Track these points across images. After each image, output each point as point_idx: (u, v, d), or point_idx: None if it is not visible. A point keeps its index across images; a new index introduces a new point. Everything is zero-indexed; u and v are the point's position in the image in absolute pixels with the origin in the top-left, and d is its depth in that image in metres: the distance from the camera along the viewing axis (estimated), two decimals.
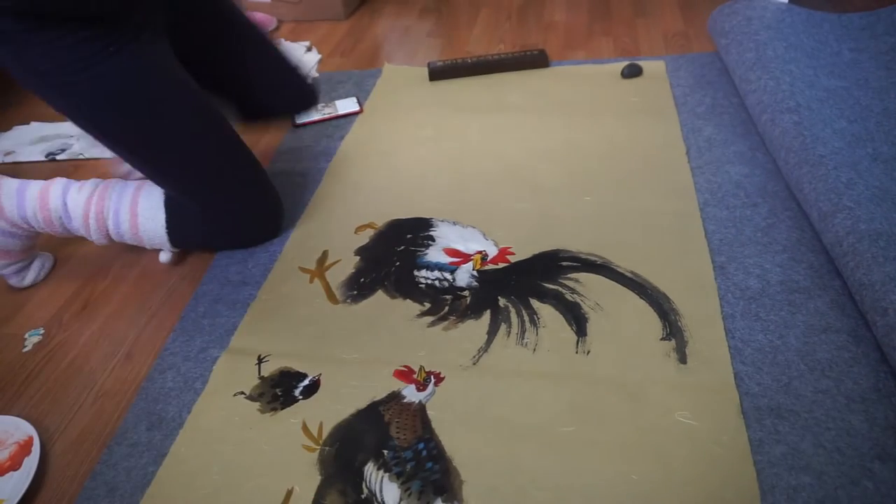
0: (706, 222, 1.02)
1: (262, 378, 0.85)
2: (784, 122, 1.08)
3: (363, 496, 0.71)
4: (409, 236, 1.06)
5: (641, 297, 0.90)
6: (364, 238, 1.07)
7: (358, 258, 1.03)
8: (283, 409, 0.81)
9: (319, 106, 1.36)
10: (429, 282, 0.97)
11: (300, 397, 0.82)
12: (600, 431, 0.74)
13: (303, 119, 1.37)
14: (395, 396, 0.81)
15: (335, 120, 1.39)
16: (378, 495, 0.71)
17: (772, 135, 1.11)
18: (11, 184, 0.92)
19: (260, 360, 0.88)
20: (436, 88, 1.50)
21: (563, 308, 0.90)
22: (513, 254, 1.00)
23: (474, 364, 0.84)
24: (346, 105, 1.40)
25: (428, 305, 0.93)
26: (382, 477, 0.72)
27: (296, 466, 0.74)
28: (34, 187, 0.92)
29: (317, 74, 1.40)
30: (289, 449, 0.76)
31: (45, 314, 1.00)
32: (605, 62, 1.53)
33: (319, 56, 1.35)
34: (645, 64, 1.47)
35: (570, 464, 0.71)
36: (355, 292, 0.97)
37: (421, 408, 0.79)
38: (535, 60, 1.53)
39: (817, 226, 0.94)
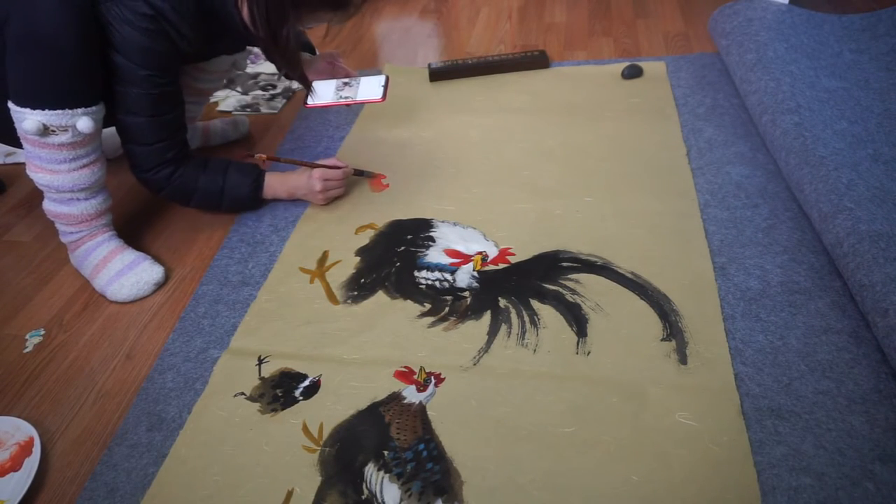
0: (707, 223, 1.02)
1: (262, 379, 0.85)
2: (785, 122, 1.08)
3: (363, 497, 0.71)
4: (409, 237, 1.06)
5: (642, 298, 0.90)
6: (364, 239, 1.07)
7: (358, 259, 1.03)
8: (283, 409, 0.81)
9: (339, 84, 1.17)
10: (429, 282, 0.97)
11: (300, 398, 0.82)
12: (600, 432, 0.74)
13: (314, 101, 1.15)
14: (395, 397, 0.81)
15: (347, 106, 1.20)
16: (378, 496, 0.71)
17: (772, 136, 1.10)
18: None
19: (260, 361, 0.88)
20: (436, 89, 1.50)
21: (564, 309, 0.90)
22: (513, 254, 1.00)
23: (475, 365, 0.84)
24: (368, 89, 1.16)
25: (428, 306, 0.93)
26: (383, 478, 0.72)
27: (296, 467, 0.74)
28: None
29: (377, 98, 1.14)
30: (289, 450, 0.76)
31: (45, 315, 1.00)
32: (605, 63, 1.53)
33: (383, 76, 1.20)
34: (645, 65, 1.47)
35: (570, 464, 0.71)
36: (356, 293, 0.97)
37: (421, 408, 0.79)
38: (535, 61, 1.53)
39: (818, 227, 0.94)
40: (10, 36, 0.85)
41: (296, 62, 1.03)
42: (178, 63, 1.02)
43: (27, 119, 0.88)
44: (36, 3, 0.84)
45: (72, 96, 0.90)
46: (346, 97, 1.14)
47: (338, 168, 1.13)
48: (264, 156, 1.12)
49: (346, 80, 1.17)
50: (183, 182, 1.06)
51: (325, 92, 1.15)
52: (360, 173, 1.20)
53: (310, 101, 1.15)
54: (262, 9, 0.91)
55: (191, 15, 0.94)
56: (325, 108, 1.36)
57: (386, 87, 1.14)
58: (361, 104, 1.23)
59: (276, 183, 1.13)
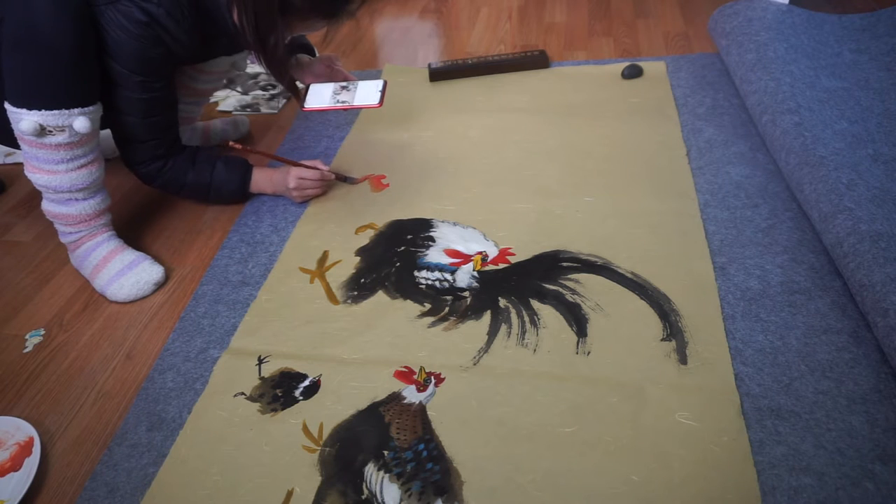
0: (707, 223, 1.02)
1: (262, 379, 0.85)
2: (785, 122, 1.08)
3: (363, 497, 0.71)
4: (409, 237, 1.06)
5: (642, 298, 0.90)
6: (364, 238, 1.07)
7: (358, 259, 1.03)
8: (283, 409, 0.81)
9: (337, 87, 1.15)
10: (429, 282, 0.97)
11: (300, 398, 0.82)
12: (600, 432, 0.74)
13: (312, 105, 1.14)
14: (395, 397, 0.81)
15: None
16: (378, 496, 0.71)
17: (772, 136, 1.10)
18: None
19: (260, 361, 0.88)
20: (436, 89, 1.50)
21: (564, 309, 0.90)
22: (513, 254, 1.00)
23: (475, 365, 0.84)
24: (365, 94, 1.15)
25: (428, 306, 0.93)
26: (383, 478, 0.72)
27: (296, 467, 0.74)
28: None
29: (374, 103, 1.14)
30: (289, 450, 0.76)
31: (45, 315, 1.00)
32: (605, 63, 1.53)
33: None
34: (645, 65, 1.47)
35: (570, 464, 0.71)
36: (356, 293, 0.97)
37: (421, 408, 0.79)
38: (535, 61, 1.53)
39: (818, 227, 0.94)
40: (5, 36, 0.85)
41: (283, 70, 1.04)
42: (173, 67, 1.02)
43: (24, 119, 0.88)
44: (32, 4, 0.84)
45: (68, 96, 0.89)
46: (343, 101, 1.14)
47: (316, 169, 1.14)
48: (239, 145, 1.12)
49: (344, 84, 1.17)
50: (173, 175, 1.09)
51: (322, 95, 1.14)
52: (342, 179, 1.21)
53: (307, 105, 1.14)
54: (250, 14, 0.91)
55: (186, 19, 0.93)
56: (321, 112, 1.36)
57: (383, 92, 1.14)
58: (358, 109, 1.24)
59: (262, 179, 1.16)
